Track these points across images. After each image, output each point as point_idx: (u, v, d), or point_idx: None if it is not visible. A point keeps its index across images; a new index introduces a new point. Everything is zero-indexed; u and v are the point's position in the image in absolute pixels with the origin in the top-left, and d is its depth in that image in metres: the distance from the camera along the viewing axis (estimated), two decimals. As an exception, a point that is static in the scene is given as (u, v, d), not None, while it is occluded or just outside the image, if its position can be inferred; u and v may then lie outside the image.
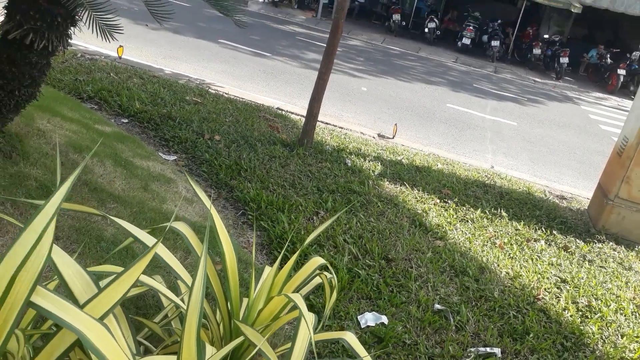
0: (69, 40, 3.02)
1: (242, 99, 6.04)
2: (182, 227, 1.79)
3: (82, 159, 3.25)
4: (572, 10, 15.88)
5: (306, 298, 2.46)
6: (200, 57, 8.29)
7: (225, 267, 1.70)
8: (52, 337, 1.21)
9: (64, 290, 1.29)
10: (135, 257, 2.40)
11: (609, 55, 16.74)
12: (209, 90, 5.96)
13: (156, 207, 3.01)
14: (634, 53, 15.54)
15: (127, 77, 5.48)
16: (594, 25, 19.23)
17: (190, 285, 1.34)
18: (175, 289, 1.95)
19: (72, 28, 2.99)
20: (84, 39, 6.05)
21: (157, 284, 1.61)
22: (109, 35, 2.91)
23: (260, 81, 7.75)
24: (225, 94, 6.08)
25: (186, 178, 3.58)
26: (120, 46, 6.26)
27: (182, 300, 1.73)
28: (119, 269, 1.56)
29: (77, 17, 2.93)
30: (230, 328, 1.65)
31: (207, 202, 1.84)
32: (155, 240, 1.68)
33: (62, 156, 3.17)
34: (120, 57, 6.43)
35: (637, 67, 15.00)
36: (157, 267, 2.35)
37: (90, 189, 2.92)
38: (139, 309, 2.05)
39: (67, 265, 1.31)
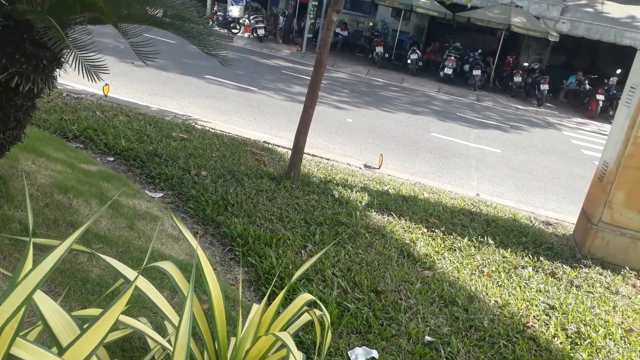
0: (55, 82, 3.05)
1: (229, 133, 6.08)
2: (167, 267, 1.78)
3: (68, 199, 3.23)
4: (550, 38, 16.38)
5: (295, 335, 2.44)
6: (186, 93, 8.37)
7: (212, 306, 1.69)
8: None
9: (49, 336, 1.28)
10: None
11: (587, 82, 17.21)
12: (196, 125, 6.01)
13: (142, 246, 2.99)
14: (611, 79, 15.99)
15: (112, 115, 5.51)
16: (572, 53, 19.82)
17: (176, 326, 1.34)
18: (162, 330, 1.93)
19: (57, 70, 3.03)
20: (69, 78, 6.10)
21: (142, 325, 1.59)
22: (94, 76, 2.94)
23: (247, 115, 7.83)
24: (212, 129, 6.12)
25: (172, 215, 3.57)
26: (106, 84, 6.31)
27: (169, 341, 1.71)
28: (97, 310, 1.55)
29: (62, 58, 2.98)
30: (218, 369, 1.63)
31: (193, 240, 1.84)
32: (141, 277, 1.67)
33: (47, 197, 3.15)
34: (106, 96, 6.47)
35: (614, 92, 15.40)
36: (143, 307, 2.32)
37: (76, 230, 2.90)
38: (125, 352, 2.02)
39: (51, 310, 1.30)
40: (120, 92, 7.31)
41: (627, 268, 4.25)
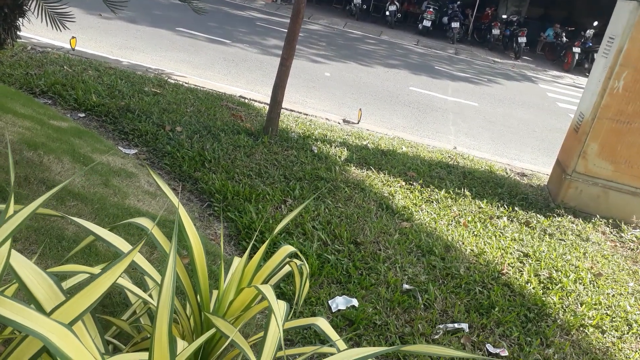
0: (18, 33, 2.89)
1: (203, 88, 5.94)
2: (146, 223, 1.75)
3: (38, 156, 3.14)
4: (528, -10, 16.21)
5: (277, 286, 2.46)
6: (157, 47, 8.09)
7: (193, 260, 1.68)
8: (16, 344, 1.17)
9: (25, 295, 1.25)
10: (98, 255, 2.35)
11: (564, 34, 17.21)
12: (169, 80, 5.83)
13: (118, 203, 2.94)
14: (587, 31, 16.00)
15: (81, 69, 5.31)
16: (550, 5, 19.70)
17: (160, 281, 1.32)
18: (141, 286, 1.92)
19: (20, 19, 2.86)
20: (34, 30, 5.81)
21: (123, 281, 1.58)
22: (59, 24, 2.80)
23: (221, 69, 7.63)
24: (186, 83, 5.96)
25: (148, 172, 3.51)
26: (73, 37, 6.04)
27: (150, 296, 1.71)
28: (82, 267, 1.53)
29: (25, 7, 2.81)
30: (201, 321, 1.64)
31: (172, 195, 1.81)
32: (119, 237, 1.65)
33: (16, 154, 3.05)
34: (73, 49, 6.21)
35: (591, 44, 15.46)
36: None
37: (48, 187, 2.83)
38: (105, 307, 2.01)
39: (26, 268, 1.27)
40: (88, 46, 7.02)
41: (598, 216, 4.38)
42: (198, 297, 1.66)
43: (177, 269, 1.67)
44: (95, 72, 5.34)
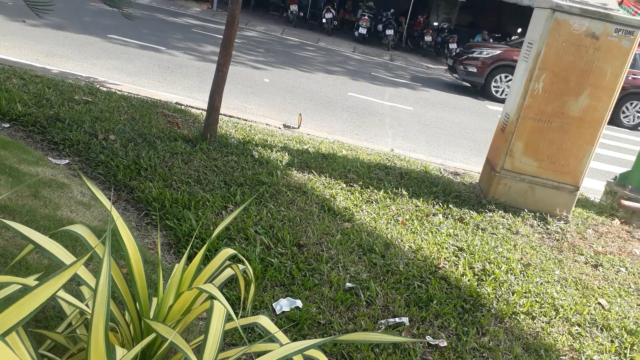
0: None
1: (138, 95, 5.79)
2: (81, 230, 1.70)
3: (-42, 169, 2.95)
4: (457, -1, 16.98)
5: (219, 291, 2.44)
6: (88, 54, 7.80)
7: (131, 267, 1.65)
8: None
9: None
10: (29, 268, 2.25)
11: (492, 40, 18.15)
12: (101, 88, 5.64)
13: (49, 215, 2.82)
14: (513, 37, 16.96)
15: (5, 77, 5.03)
16: (478, 12, 20.73)
17: (94, 287, 1.29)
18: (78, 297, 1.85)
19: None
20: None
21: (59, 292, 1.52)
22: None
23: (156, 76, 7.46)
24: (119, 91, 5.79)
25: (81, 182, 3.38)
26: (-6, 44, 5.72)
27: (87, 305, 1.66)
28: (15, 278, 1.46)
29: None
30: (141, 328, 1.61)
31: (106, 201, 1.77)
32: (57, 245, 1.59)
33: None
34: (-5, 57, 5.87)
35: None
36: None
37: (-29, 201, 2.67)
38: (38, 322, 1.92)
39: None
40: (11, 54, 6.67)
41: (526, 210, 4.65)
42: (137, 304, 1.63)
43: (115, 278, 1.63)
44: (20, 81, 5.08)
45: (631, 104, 11.52)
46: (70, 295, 1.60)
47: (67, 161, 3.71)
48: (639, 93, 11.38)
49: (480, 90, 11.80)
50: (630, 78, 11.07)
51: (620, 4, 19.05)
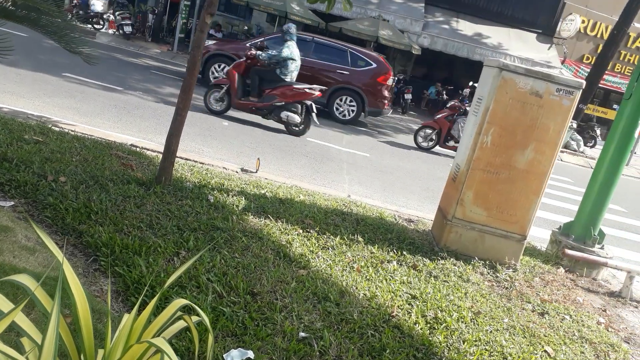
0: None
1: (92, 136, 5.68)
2: (24, 280, 1.63)
3: None
4: (413, 51, 17.78)
5: (169, 343, 2.37)
6: (41, 92, 7.63)
7: (77, 317, 1.59)
8: None
9: None
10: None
11: (444, 92, 19.02)
12: (53, 127, 5.51)
13: (-10, 260, 2.68)
14: (464, 90, 17.82)
15: (-50, 114, 4.85)
16: (432, 65, 21.76)
17: (40, 341, 1.24)
18: (17, 349, 1.75)
19: None
20: None
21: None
22: None
23: (112, 117, 7.37)
24: (72, 131, 5.66)
25: (26, 225, 3.25)
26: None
27: (27, 359, 1.57)
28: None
29: None
30: (84, 384, 1.54)
31: (54, 247, 1.71)
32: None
33: None
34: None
35: (467, 102, 17.19)
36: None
37: None
38: (-30, 378, 1.80)
39: None
40: (-41, 89, 6.45)
41: (477, 258, 4.78)
42: (82, 357, 1.56)
43: (60, 329, 1.57)
44: (-33, 118, 4.90)
45: (341, 99, 12.34)
46: (9, 347, 1.51)
47: (12, 203, 3.56)
48: (348, 88, 12.24)
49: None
50: (338, 72, 12.23)
51: (563, 62, 20.50)
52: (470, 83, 17.31)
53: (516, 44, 19.66)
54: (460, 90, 18.08)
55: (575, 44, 21.89)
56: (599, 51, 18.94)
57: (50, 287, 2.57)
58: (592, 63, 19.57)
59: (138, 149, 5.67)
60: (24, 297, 2.39)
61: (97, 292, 2.84)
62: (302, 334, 2.80)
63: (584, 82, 4.71)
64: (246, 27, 20.76)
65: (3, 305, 1.54)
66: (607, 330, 4.03)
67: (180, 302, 1.86)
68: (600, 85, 19.62)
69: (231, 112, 9.96)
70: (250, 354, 2.52)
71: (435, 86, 20.23)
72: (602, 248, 5.54)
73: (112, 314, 2.63)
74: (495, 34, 19.71)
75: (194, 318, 1.89)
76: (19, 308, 1.20)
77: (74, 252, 3.18)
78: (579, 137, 18.15)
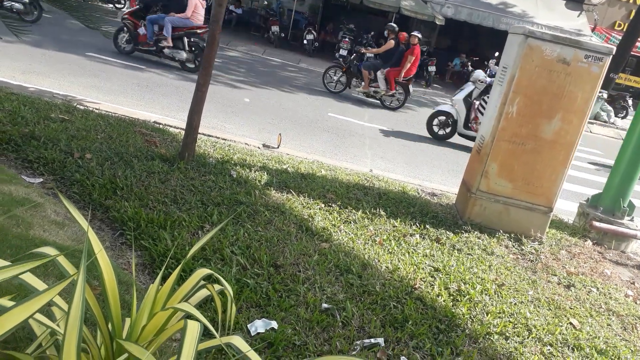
0: None
1: (115, 114, 5.75)
2: (52, 252, 1.68)
3: None
4: (436, 22, 17.38)
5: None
6: (65, 72, 7.74)
7: (104, 287, 1.63)
8: None
9: None
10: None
11: (469, 63, 18.58)
12: (78, 106, 5.60)
13: (22, 234, 2.77)
14: (490, 61, 17.39)
15: (-21, 94, 4.96)
16: (456, 36, 21.23)
17: (67, 308, 1.28)
18: (49, 317, 1.82)
19: None
20: None
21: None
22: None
23: (135, 95, 7.44)
24: (96, 109, 5.75)
25: (55, 201, 3.34)
26: (-30, 60, 5.65)
27: (59, 326, 1.63)
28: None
29: None
30: (113, 349, 1.59)
31: (81, 218, 1.75)
32: (20, 268, 1.56)
33: None
34: (-30, 73, 5.79)
35: (494, 73, 16.79)
36: (25, 296, 2.16)
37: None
38: (7, 344, 1.88)
39: None
40: (-13, 70, 6.59)
41: (501, 231, 4.72)
42: (109, 324, 1.61)
43: (87, 297, 1.61)
44: (-5, 98, 5.02)
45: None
46: (41, 315, 1.57)
47: (41, 180, 3.65)
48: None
49: None
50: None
51: (593, 30, 19.77)
52: (496, 53, 16.88)
53: (544, 12, 18.99)
54: (486, 61, 17.66)
55: (607, 10, 21.05)
56: (631, 17, 18.19)
57: (77, 259, 2.64)
58: (624, 30, 18.82)
59: (161, 126, 5.73)
60: (53, 268, 2.47)
61: (124, 264, 2.92)
62: (324, 305, 2.83)
63: (614, 48, 4.53)
64: (266, 2, 20.57)
65: (33, 281, 1.59)
66: (636, 303, 3.96)
67: (204, 271, 1.89)
68: (632, 53, 18.87)
69: (251, 88, 9.94)
70: (274, 324, 2.56)
71: (460, 58, 19.77)
72: (631, 220, 5.41)
73: (138, 285, 2.70)
74: (521, 2, 19.07)
75: (217, 287, 1.92)
76: (59, 287, 1.23)
77: (101, 226, 3.26)
78: (610, 108, 17.58)
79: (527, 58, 4.46)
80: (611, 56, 4.44)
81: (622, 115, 18.82)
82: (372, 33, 18.25)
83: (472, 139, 8.79)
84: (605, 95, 17.22)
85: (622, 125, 17.31)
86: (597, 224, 5.20)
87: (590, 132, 15.16)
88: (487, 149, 4.74)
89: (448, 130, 9.38)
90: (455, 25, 19.09)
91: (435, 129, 9.44)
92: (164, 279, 2.34)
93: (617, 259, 4.95)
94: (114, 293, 1.66)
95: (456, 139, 9.40)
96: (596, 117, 17.08)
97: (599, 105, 17.01)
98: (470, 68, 18.37)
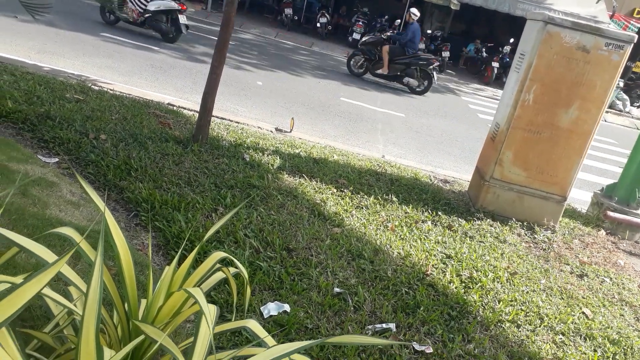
0: None
1: (129, 95, 5.77)
2: (69, 232, 1.70)
3: (-54, 165, 2.92)
4: (451, 7, 17.12)
5: (207, 294, 2.44)
6: (80, 52, 7.75)
7: (121, 268, 1.65)
8: None
9: None
10: (17, 267, 2.23)
11: (484, 50, 18.30)
12: (92, 86, 5.62)
13: (38, 213, 2.80)
14: (505, 47, 17.12)
15: (-5, 73, 4.99)
16: (471, 21, 20.90)
17: (85, 289, 1.29)
18: (66, 297, 1.84)
19: None
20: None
21: (46, 290, 1.52)
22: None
23: (149, 76, 7.44)
24: (110, 90, 5.76)
25: (70, 181, 3.37)
26: (-14, 39, 5.67)
27: (76, 305, 1.65)
28: (2, 277, 1.45)
29: None
30: (129, 329, 1.61)
31: (100, 202, 1.76)
32: (43, 247, 1.58)
33: None
34: (-14, 52, 5.82)
35: (508, 60, 16.56)
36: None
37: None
38: (24, 322, 1.91)
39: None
40: (2, 50, 6.62)
41: (514, 219, 4.70)
42: (126, 305, 1.63)
43: (104, 278, 1.63)
44: (11, 77, 5.04)
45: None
46: (58, 294, 1.59)
47: (56, 160, 3.68)
48: None
49: None
50: None
51: (611, 17, 19.36)
52: (512, 40, 16.61)
53: (562, -2, 18.59)
54: (501, 47, 17.38)
55: (627, -4, 20.55)
56: (653, 4, 17.76)
57: (94, 239, 2.67)
58: (645, 17, 18.40)
59: (175, 108, 5.73)
60: (70, 248, 2.50)
61: (138, 245, 2.94)
62: (337, 290, 2.84)
63: (636, 36, 4.43)
64: (279, -16, 20.32)
65: (51, 258, 1.61)
66: (649, 294, 3.93)
67: (219, 254, 1.90)
68: (652, 41, 18.46)
69: (264, 71, 9.91)
70: (287, 307, 2.58)
71: (475, 43, 19.46)
72: (646, 211, 5.35)
73: (153, 267, 2.73)
74: (539, -13, 18.67)
75: (232, 270, 1.94)
76: (64, 258, 1.25)
77: (115, 207, 3.29)
78: (626, 97, 17.28)
79: (545, 45, 4.38)
80: (632, 44, 4.34)
81: (638, 104, 18.50)
82: (386, 17, 18.03)
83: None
84: (621, 84, 16.92)
85: (638, 114, 17.03)
86: (611, 213, 5.14)
87: (605, 121, 14.94)
88: (502, 136, 4.69)
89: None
90: (471, 11, 18.79)
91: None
92: (179, 261, 2.37)
93: (630, 249, 4.91)
94: (130, 274, 1.68)
95: (471, 126, 9.30)
96: (611, 106, 16.82)
97: (614, 94, 16.72)
98: (484, 54, 18.10)
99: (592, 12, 18.55)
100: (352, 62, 12.06)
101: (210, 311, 1.43)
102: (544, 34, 4.35)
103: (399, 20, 11.69)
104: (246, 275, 1.80)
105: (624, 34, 4.35)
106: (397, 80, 11.61)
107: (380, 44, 11.49)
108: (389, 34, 11.91)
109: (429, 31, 18.76)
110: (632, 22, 20.55)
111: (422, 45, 17.47)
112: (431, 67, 11.47)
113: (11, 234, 1.51)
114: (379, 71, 11.56)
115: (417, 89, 11.63)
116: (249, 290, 1.93)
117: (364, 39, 12.13)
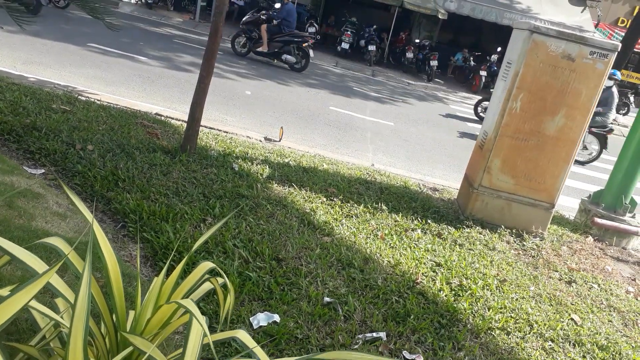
0: None
1: (117, 105, 5.73)
2: (57, 242, 1.68)
3: None
4: (439, 16, 17.29)
5: (196, 305, 2.42)
6: (67, 63, 7.71)
7: (109, 279, 1.63)
8: None
9: None
10: (2, 279, 2.19)
11: (472, 58, 18.50)
12: (79, 97, 5.58)
13: (24, 225, 2.76)
14: (492, 56, 17.31)
15: (-19, 84, 4.94)
16: (459, 31, 21.14)
17: (73, 300, 1.27)
18: (52, 309, 1.82)
19: None
20: None
21: (32, 303, 1.49)
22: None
23: (136, 86, 7.41)
24: (98, 100, 5.73)
25: (57, 192, 3.33)
26: (-29, 50, 5.62)
27: (63, 318, 1.63)
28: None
29: None
30: (117, 341, 1.58)
31: (85, 210, 1.74)
32: (28, 253, 1.56)
33: None
34: (-29, 62, 5.76)
35: (495, 68, 16.74)
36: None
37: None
38: (10, 335, 1.88)
39: None
40: (-12, 60, 6.55)
41: (503, 226, 4.72)
42: (114, 317, 1.60)
43: (92, 291, 1.61)
44: (-3, 88, 4.99)
45: None
46: (44, 306, 1.56)
47: (42, 171, 3.64)
48: None
49: None
50: None
51: (596, 26, 19.70)
52: (499, 48, 16.80)
53: (547, 7, 18.89)
54: (488, 56, 17.58)
55: (610, 6, 20.97)
56: (635, 13, 18.12)
57: (82, 251, 2.64)
58: (627, 26, 18.77)
59: (163, 118, 5.71)
60: (57, 259, 2.47)
61: (126, 257, 2.91)
62: (326, 299, 2.83)
63: (619, 45, 4.51)
64: (268, -6, 20.42)
65: (41, 269, 1.58)
66: (637, 299, 3.97)
67: (207, 265, 1.89)
68: (635, 49, 18.81)
69: (252, 81, 9.91)
70: (276, 317, 2.56)
71: (462, 52, 19.67)
72: (633, 217, 5.42)
73: (141, 278, 2.70)
74: (525, -3, 18.96)
75: (220, 280, 1.92)
76: (54, 268, 1.23)
77: (103, 218, 3.26)
78: (611, 104, 17.51)
79: (531, 54, 4.44)
80: (616, 53, 4.42)
81: (623, 112, 18.79)
82: (375, 27, 18.16)
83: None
84: (607, 92, 17.15)
85: (624, 122, 17.28)
86: (598, 220, 5.20)
87: (592, 128, 15.12)
88: (490, 144, 4.73)
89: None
90: (458, 20, 19.00)
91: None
92: (168, 272, 2.34)
93: (618, 255, 4.96)
94: (118, 286, 1.66)
95: (460, 134, 9.35)
96: (597, 114, 17.02)
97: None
98: (472, 63, 18.29)
99: (578, 22, 18.87)
100: (235, 43, 12.42)
101: (201, 320, 1.42)
102: (530, 43, 4.41)
103: (278, 4, 12.25)
104: (229, 283, 1.79)
105: (608, 43, 4.42)
106: (276, 57, 12.10)
107: (260, 23, 11.95)
108: (266, 13, 12.33)
109: (417, 40, 18.93)
110: (616, 30, 20.94)
111: (410, 55, 17.65)
112: (306, 44, 12.00)
113: (2, 241, 1.48)
114: (260, 49, 12.05)
115: (296, 66, 12.17)
116: (230, 298, 1.91)
117: (244, 18, 12.52)
